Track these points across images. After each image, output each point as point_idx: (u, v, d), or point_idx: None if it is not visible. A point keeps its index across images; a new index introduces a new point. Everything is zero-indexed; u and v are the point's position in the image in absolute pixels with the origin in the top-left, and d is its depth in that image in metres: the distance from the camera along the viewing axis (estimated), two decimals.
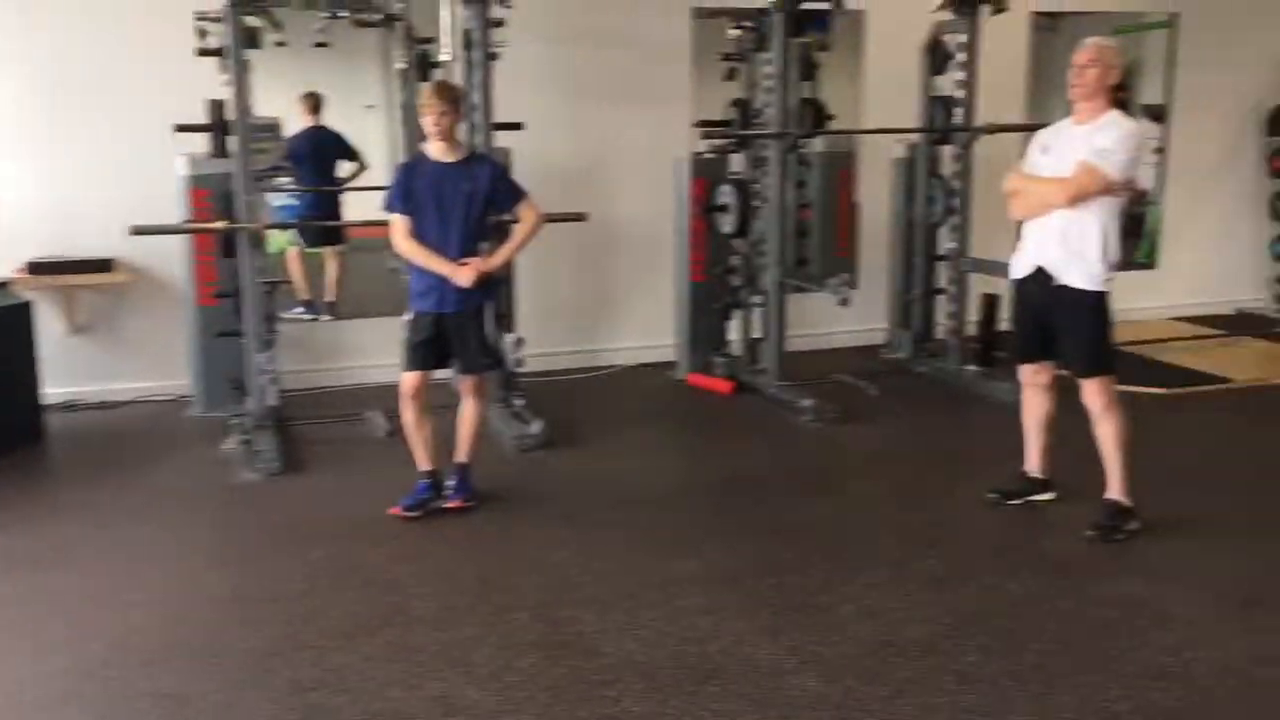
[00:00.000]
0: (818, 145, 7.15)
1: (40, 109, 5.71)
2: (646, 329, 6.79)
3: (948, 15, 6.15)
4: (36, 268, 5.62)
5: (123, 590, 3.72)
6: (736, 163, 6.47)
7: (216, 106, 5.32)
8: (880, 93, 6.93)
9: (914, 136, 6.58)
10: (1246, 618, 3.47)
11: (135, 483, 4.79)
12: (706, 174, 6.34)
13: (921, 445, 5.39)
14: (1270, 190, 8.21)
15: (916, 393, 6.29)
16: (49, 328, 5.66)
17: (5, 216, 5.66)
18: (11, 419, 5.14)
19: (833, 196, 7.42)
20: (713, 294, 6.44)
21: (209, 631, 3.42)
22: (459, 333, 4.37)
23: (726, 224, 6.23)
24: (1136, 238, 8.35)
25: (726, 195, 6.21)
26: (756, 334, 6.36)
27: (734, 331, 6.51)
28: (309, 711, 2.96)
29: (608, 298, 6.83)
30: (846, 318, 6.61)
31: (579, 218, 5.62)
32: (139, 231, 5.02)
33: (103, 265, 5.73)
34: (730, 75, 6.47)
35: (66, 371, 5.75)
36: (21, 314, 5.23)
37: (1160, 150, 8.14)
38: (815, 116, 6.62)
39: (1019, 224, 4.26)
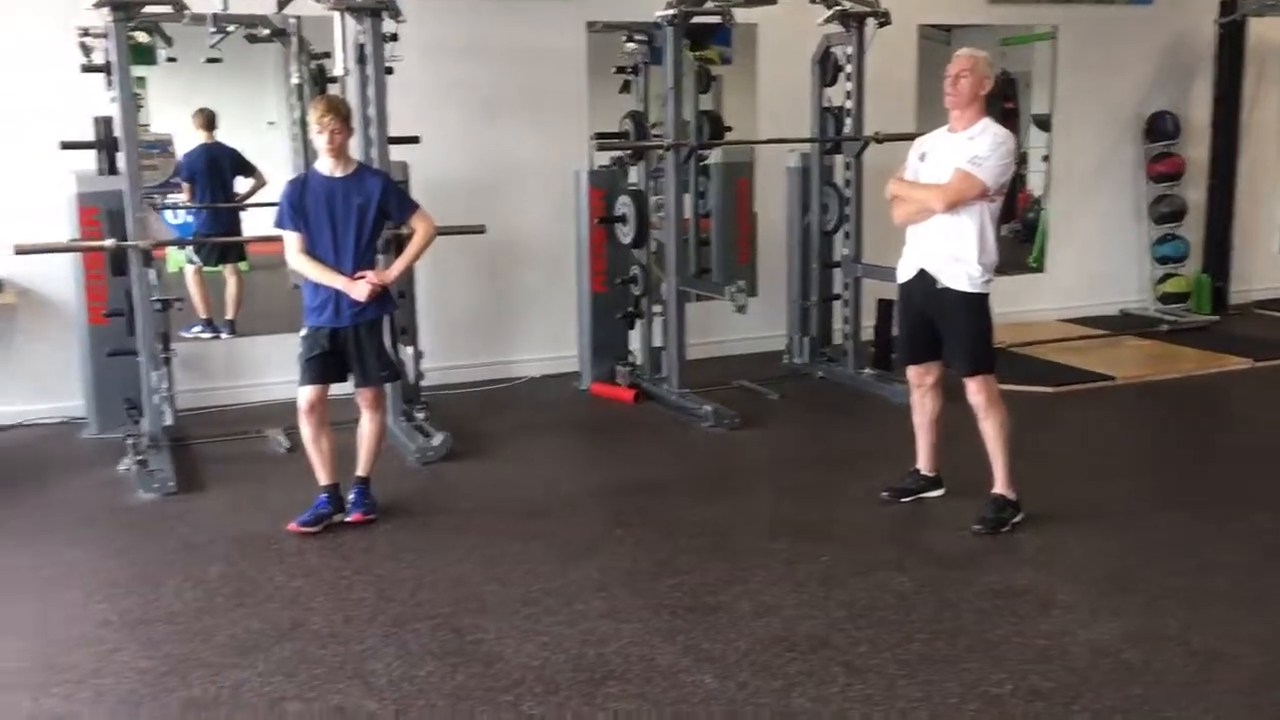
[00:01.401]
0: (717, 156, 7.30)
1: None
2: (549, 340, 6.83)
3: (835, 28, 6.32)
4: None
5: (9, 619, 3.65)
6: (635, 174, 6.57)
7: (103, 123, 5.26)
8: (775, 104, 7.08)
9: (807, 146, 6.73)
10: (1118, 602, 3.63)
11: (25, 507, 4.68)
12: (604, 185, 6.41)
13: (818, 447, 5.51)
14: (1149, 195, 8.55)
15: (815, 397, 6.43)
16: None
17: None
18: None
19: (732, 206, 7.56)
20: (614, 304, 6.50)
21: (100, 655, 3.37)
22: (355, 346, 4.37)
23: (625, 234, 6.31)
24: (1029, 243, 8.66)
25: (624, 206, 6.29)
26: (658, 343, 6.44)
27: (636, 340, 6.58)
28: None
29: (511, 310, 6.85)
30: (747, 324, 6.73)
31: (478, 230, 5.64)
32: (23, 251, 4.94)
33: None
34: (625, 88, 6.57)
35: None
36: None
37: (1046, 158, 8.44)
38: (713, 127, 6.75)
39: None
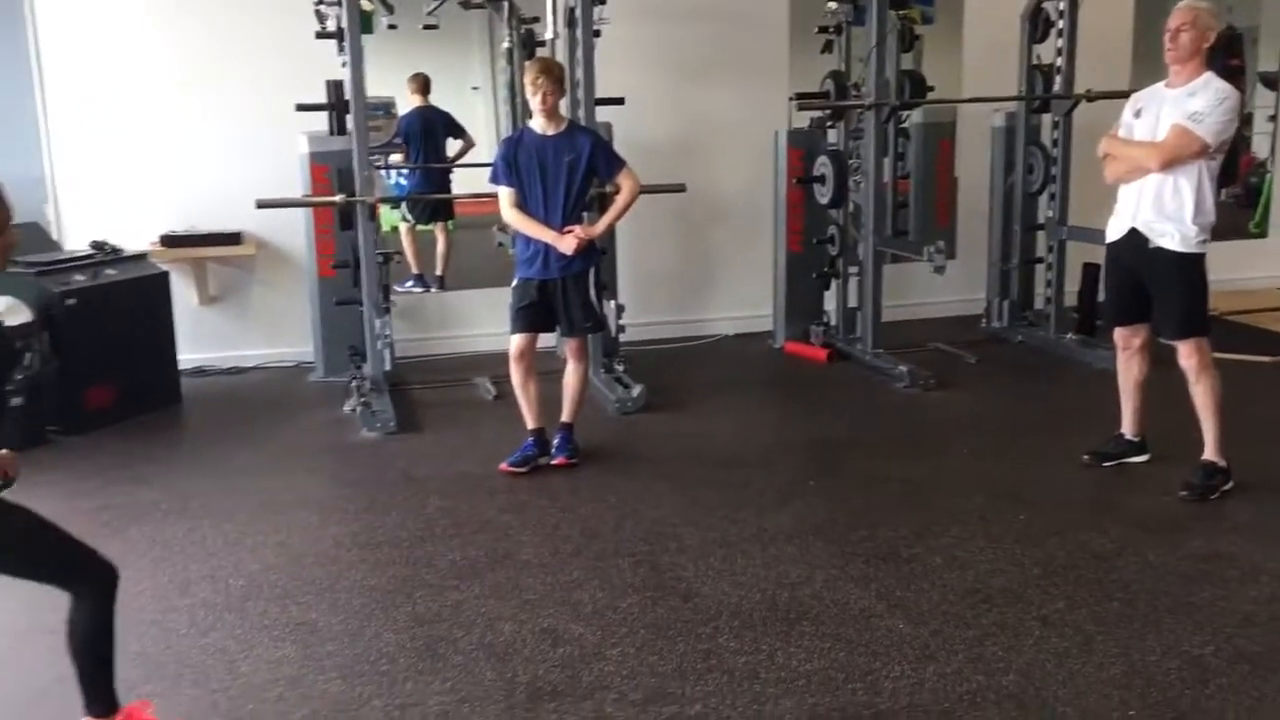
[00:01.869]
0: (918, 116, 7.21)
1: (171, 93, 6.07)
2: (744, 299, 6.93)
3: None
4: (170, 240, 6.01)
5: (256, 535, 4.02)
6: (835, 135, 6.57)
7: (334, 87, 5.63)
8: (980, 62, 6.95)
9: (1013, 105, 6.59)
10: None
11: (264, 440, 5.12)
12: (803, 146, 6.45)
13: (1017, 410, 5.44)
14: None
15: (1014, 361, 6.33)
16: (181, 297, 6.02)
17: (142, 193, 6.05)
18: (152, 382, 5.52)
19: (932, 167, 7.46)
20: (810, 264, 6.55)
21: (336, 571, 3.70)
22: (562, 297, 4.57)
23: (823, 195, 6.33)
24: (1250, 208, 8.21)
25: (823, 166, 6.31)
26: (853, 303, 6.45)
27: (831, 301, 6.61)
28: (429, 641, 3.21)
29: (707, 268, 6.98)
30: (945, 287, 6.67)
31: (678, 189, 5.78)
32: (263, 205, 5.35)
33: (232, 238, 6.11)
34: (827, 48, 6.56)
35: (198, 339, 6.12)
36: (160, 283, 5.61)
37: (1274, 118, 7.97)
38: (914, 87, 6.67)
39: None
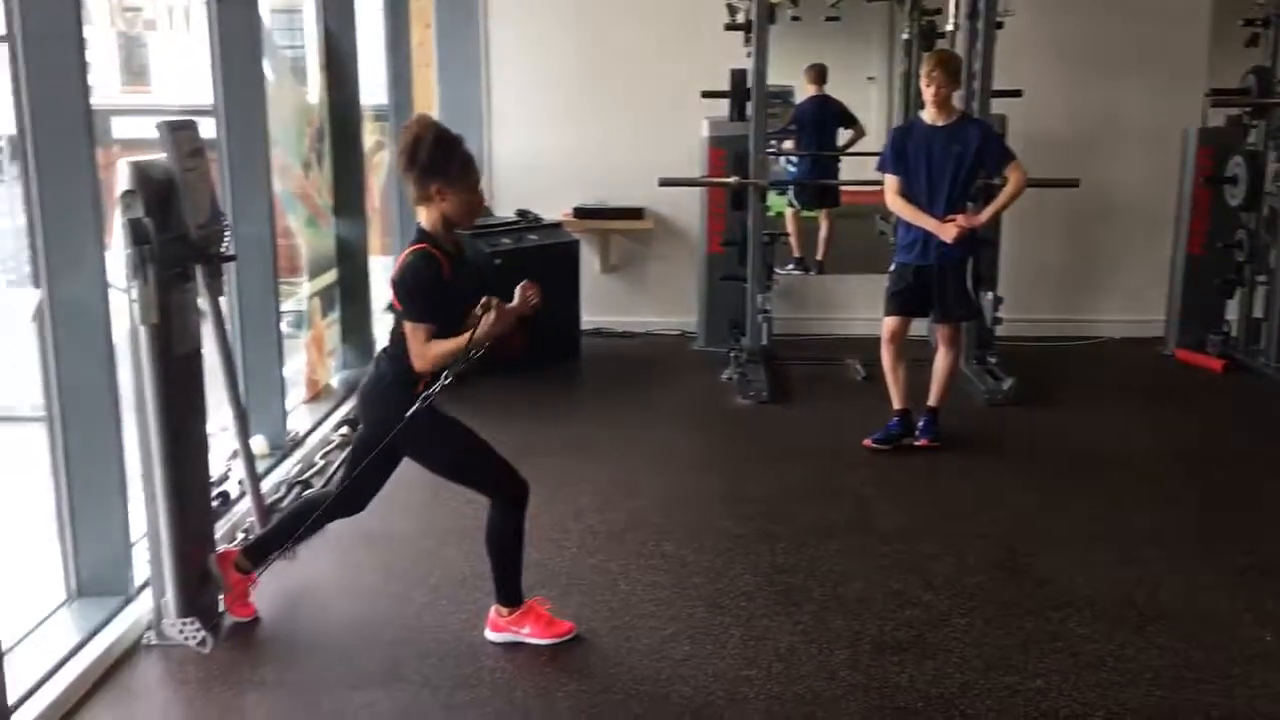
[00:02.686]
0: None
1: (589, 79, 6.71)
2: (1134, 302, 6.66)
3: None
4: (581, 212, 6.68)
5: (636, 478, 4.47)
6: (1255, 135, 6.15)
7: (738, 75, 6.00)
8: None
9: None
10: None
11: (649, 399, 5.61)
12: (1216, 144, 6.10)
13: None
14: None
15: None
16: (586, 264, 6.64)
17: (560, 169, 6.74)
18: (559, 338, 6.16)
19: None
20: (1211, 269, 6.19)
21: (705, 518, 4.06)
22: (939, 284, 4.67)
23: (1234, 196, 5.97)
24: None
25: (1237, 167, 5.94)
26: (1259, 313, 6.03)
27: (1233, 309, 6.21)
28: (784, 587, 3.48)
29: (1095, 267, 6.76)
30: None
31: (1071, 184, 5.67)
32: (665, 183, 5.82)
33: (634, 213, 6.70)
34: (1253, 41, 6.15)
35: (598, 303, 6.71)
36: (571, 250, 6.24)
37: None
38: None
39: None
